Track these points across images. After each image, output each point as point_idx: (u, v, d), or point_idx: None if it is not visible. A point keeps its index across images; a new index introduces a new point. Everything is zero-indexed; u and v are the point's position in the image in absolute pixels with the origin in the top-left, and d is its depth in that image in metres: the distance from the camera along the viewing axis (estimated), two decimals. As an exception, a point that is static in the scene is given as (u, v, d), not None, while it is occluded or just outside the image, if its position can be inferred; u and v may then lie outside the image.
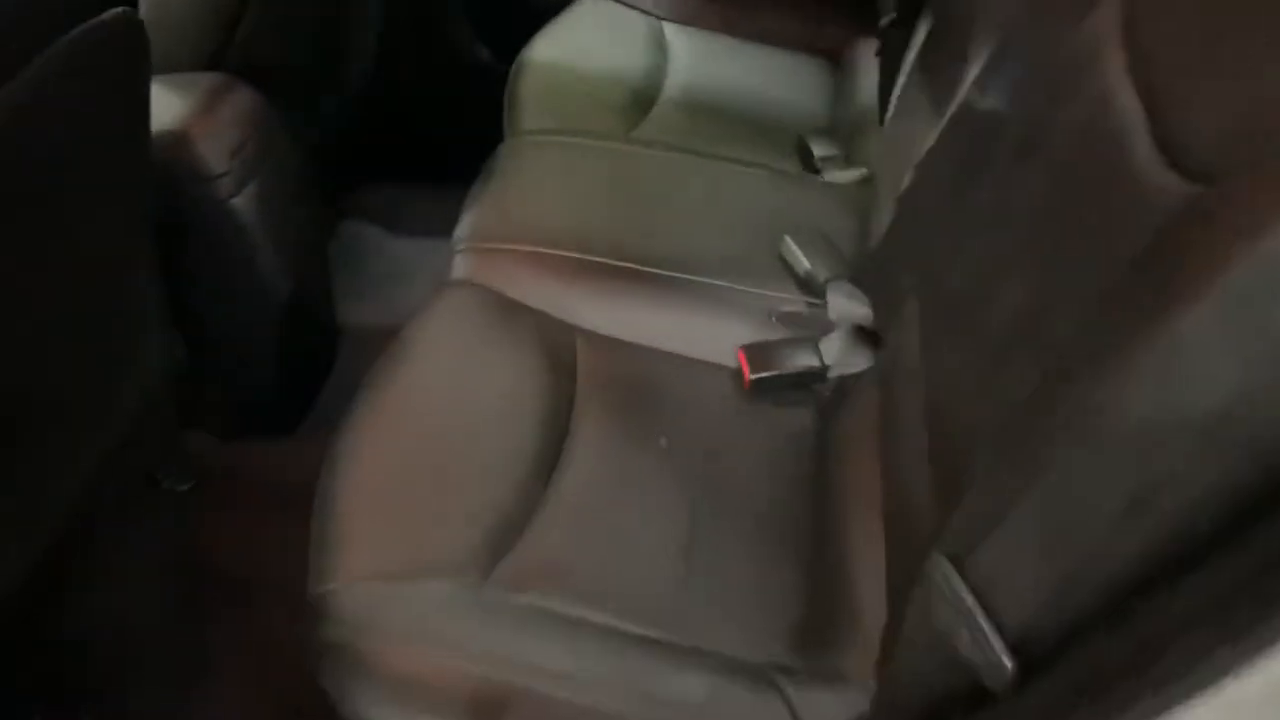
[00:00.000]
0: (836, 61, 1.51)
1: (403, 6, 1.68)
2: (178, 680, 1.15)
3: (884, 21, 1.20)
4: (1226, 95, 0.57)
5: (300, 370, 1.40)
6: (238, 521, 1.29)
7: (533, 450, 0.93)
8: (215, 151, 1.13)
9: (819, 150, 1.29)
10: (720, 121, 1.36)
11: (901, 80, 1.17)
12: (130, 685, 1.10)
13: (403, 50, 1.76)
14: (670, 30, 1.49)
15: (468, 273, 1.10)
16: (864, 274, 1.07)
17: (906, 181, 1.01)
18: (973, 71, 0.91)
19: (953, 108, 0.93)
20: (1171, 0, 0.66)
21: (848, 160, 1.30)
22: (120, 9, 0.81)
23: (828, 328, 1.05)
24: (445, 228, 1.69)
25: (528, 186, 1.20)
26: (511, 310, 1.05)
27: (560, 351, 1.02)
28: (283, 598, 0.90)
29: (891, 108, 1.19)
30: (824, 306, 1.06)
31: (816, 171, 1.28)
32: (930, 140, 0.97)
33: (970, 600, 0.54)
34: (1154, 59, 0.66)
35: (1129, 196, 0.63)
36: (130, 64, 0.88)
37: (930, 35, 1.10)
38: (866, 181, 1.25)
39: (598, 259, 1.10)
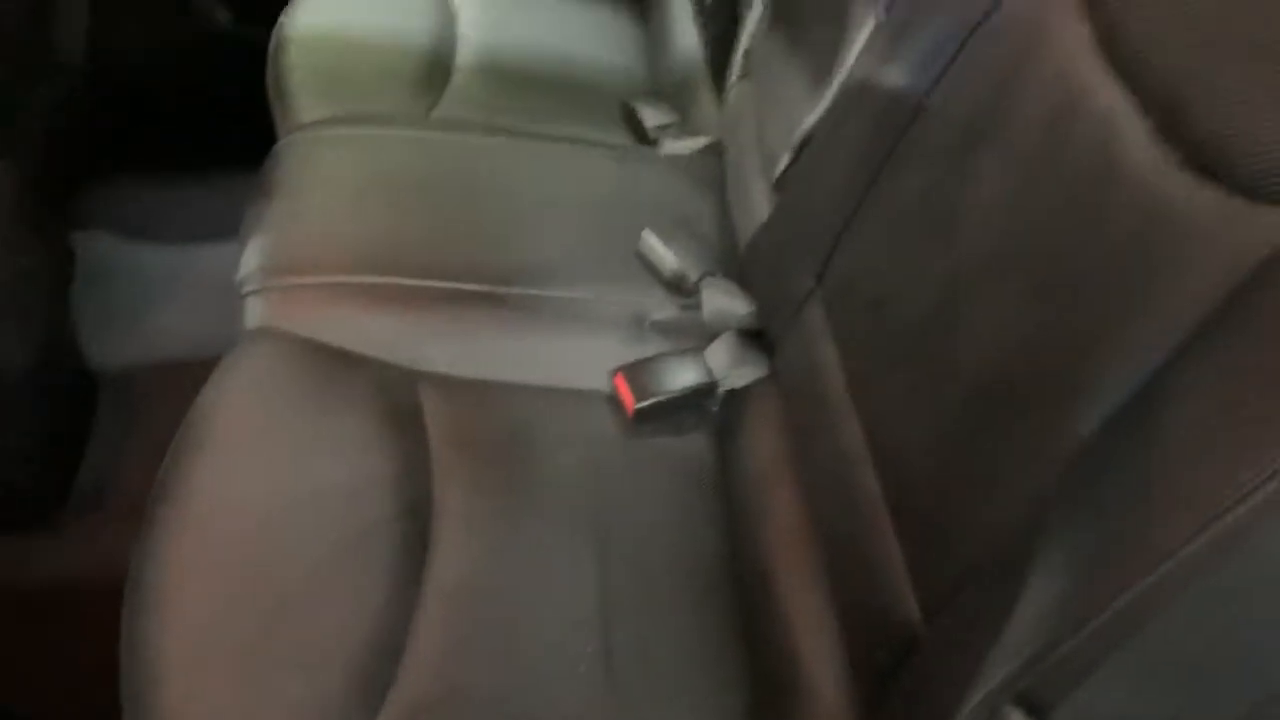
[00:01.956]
0: (642, 5, 1.35)
1: None
2: None
3: (717, -31, 1.06)
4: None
5: (51, 441, 1.14)
6: (3, 644, 1.03)
7: (393, 544, 0.75)
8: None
9: (650, 118, 1.14)
10: (530, 89, 1.18)
11: (746, 36, 1.03)
12: None
13: (121, 16, 1.46)
14: (452, -17, 1.29)
15: (267, 319, 0.89)
16: (741, 267, 0.94)
17: (784, 162, 0.88)
18: (858, 36, 0.78)
19: (837, 78, 0.80)
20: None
21: (683, 125, 1.15)
22: None
23: (708, 334, 0.92)
24: (201, 228, 1.44)
25: (322, 198, 0.98)
26: (333, 362, 0.85)
27: (403, 407, 0.84)
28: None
29: (736, 68, 1.05)
30: (699, 309, 0.93)
31: (651, 142, 1.13)
32: (811, 116, 0.84)
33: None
34: (1136, 31, 0.55)
35: (1133, 205, 0.53)
36: None
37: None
38: (710, 150, 1.11)
39: (427, 282, 0.92)
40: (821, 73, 0.83)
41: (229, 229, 1.15)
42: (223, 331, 0.94)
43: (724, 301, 0.92)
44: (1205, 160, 0.49)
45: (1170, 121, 0.52)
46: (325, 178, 1.00)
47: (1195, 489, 0.41)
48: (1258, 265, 0.45)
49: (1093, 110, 0.56)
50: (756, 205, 0.94)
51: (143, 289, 1.37)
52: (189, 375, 0.88)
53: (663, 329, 0.93)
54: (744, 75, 1.04)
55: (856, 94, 0.77)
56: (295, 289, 0.91)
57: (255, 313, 0.90)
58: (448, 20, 1.24)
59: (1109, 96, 0.56)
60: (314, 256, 0.92)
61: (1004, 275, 0.60)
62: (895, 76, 0.72)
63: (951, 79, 0.68)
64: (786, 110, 0.88)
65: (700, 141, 1.12)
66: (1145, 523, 0.45)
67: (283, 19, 1.18)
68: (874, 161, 0.73)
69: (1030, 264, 0.58)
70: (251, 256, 0.93)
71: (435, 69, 1.17)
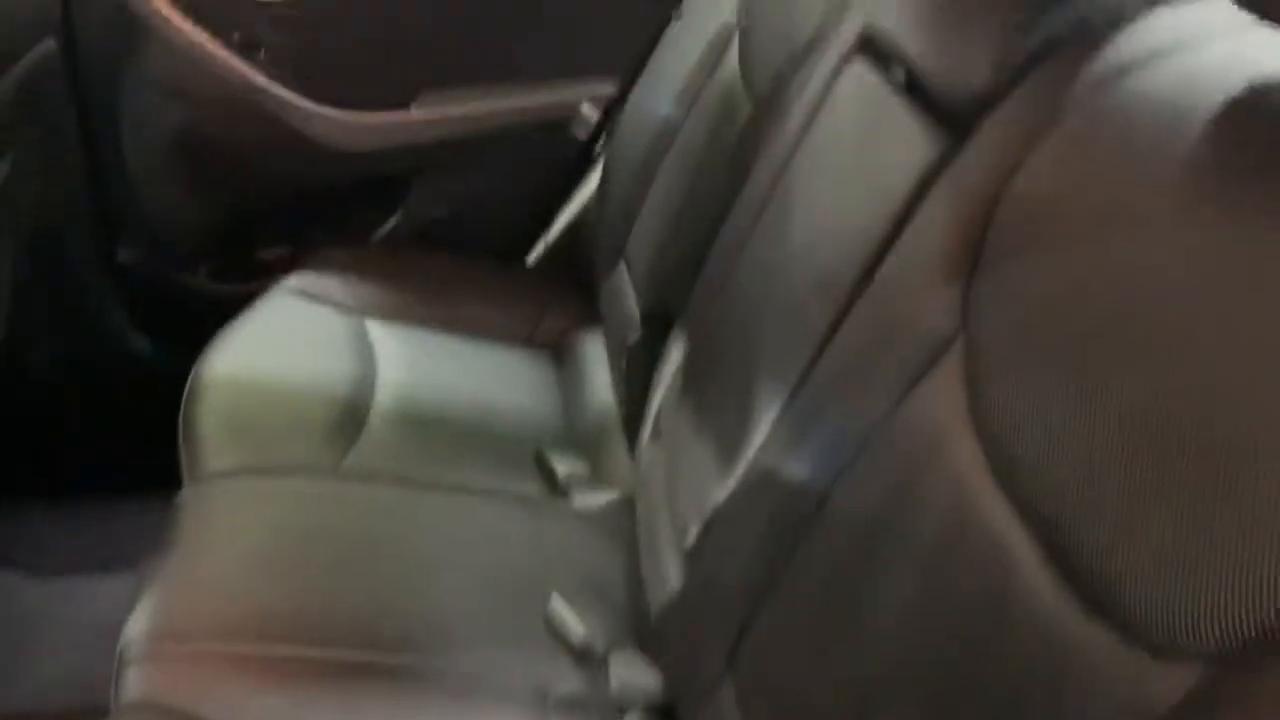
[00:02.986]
0: (559, 354, 1.41)
1: (32, 274, 1.40)
2: None
3: (630, 340, 1.11)
4: (1170, 541, 0.48)
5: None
6: None
7: None
8: None
9: (562, 468, 1.15)
10: (446, 437, 1.20)
11: (658, 400, 1.07)
12: None
13: (36, 334, 1.46)
14: (375, 328, 1.33)
15: (146, 690, 0.84)
16: (652, 637, 0.92)
17: (693, 535, 0.88)
18: (762, 425, 0.81)
19: (743, 461, 0.83)
20: (1046, 391, 0.58)
21: (595, 476, 1.17)
22: None
23: (616, 707, 0.89)
24: (104, 562, 1.38)
25: (217, 558, 0.95)
26: (212, 745, 0.80)
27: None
28: None
29: (647, 431, 1.08)
30: (607, 682, 0.90)
31: (563, 492, 1.14)
32: (718, 493, 0.85)
33: None
34: (1022, 456, 0.58)
35: (1026, 633, 0.53)
36: None
37: (694, 364, 1.01)
38: (622, 504, 1.12)
39: (316, 652, 0.87)
40: (728, 452, 0.85)
41: (120, 561, 1.10)
42: (101, 678, 0.89)
43: (632, 676, 0.89)
44: (1095, 600, 0.50)
45: (1059, 554, 0.53)
46: (223, 535, 0.97)
47: None
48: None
49: (985, 531, 0.58)
50: (667, 572, 0.93)
51: (20, 628, 1.30)
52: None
53: (567, 705, 0.89)
54: (655, 437, 1.06)
55: (761, 480, 0.79)
56: (178, 658, 0.86)
57: (135, 683, 0.84)
58: (367, 361, 1.27)
59: (1000, 518, 0.57)
60: (201, 624, 0.88)
61: (907, 690, 0.59)
62: (798, 469, 0.74)
63: (852, 478, 0.70)
64: (695, 482, 0.90)
65: (612, 495, 1.13)
66: None
67: (200, 361, 1.20)
68: (780, 550, 0.74)
69: (931, 682, 0.58)
70: (138, 620, 0.88)
71: (351, 415, 1.17)
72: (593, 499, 1.12)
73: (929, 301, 0.68)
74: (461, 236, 1.54)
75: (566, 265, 1.58)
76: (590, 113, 1.51)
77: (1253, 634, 0.44)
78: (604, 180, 1.47)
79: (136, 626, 0.88)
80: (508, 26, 1.46)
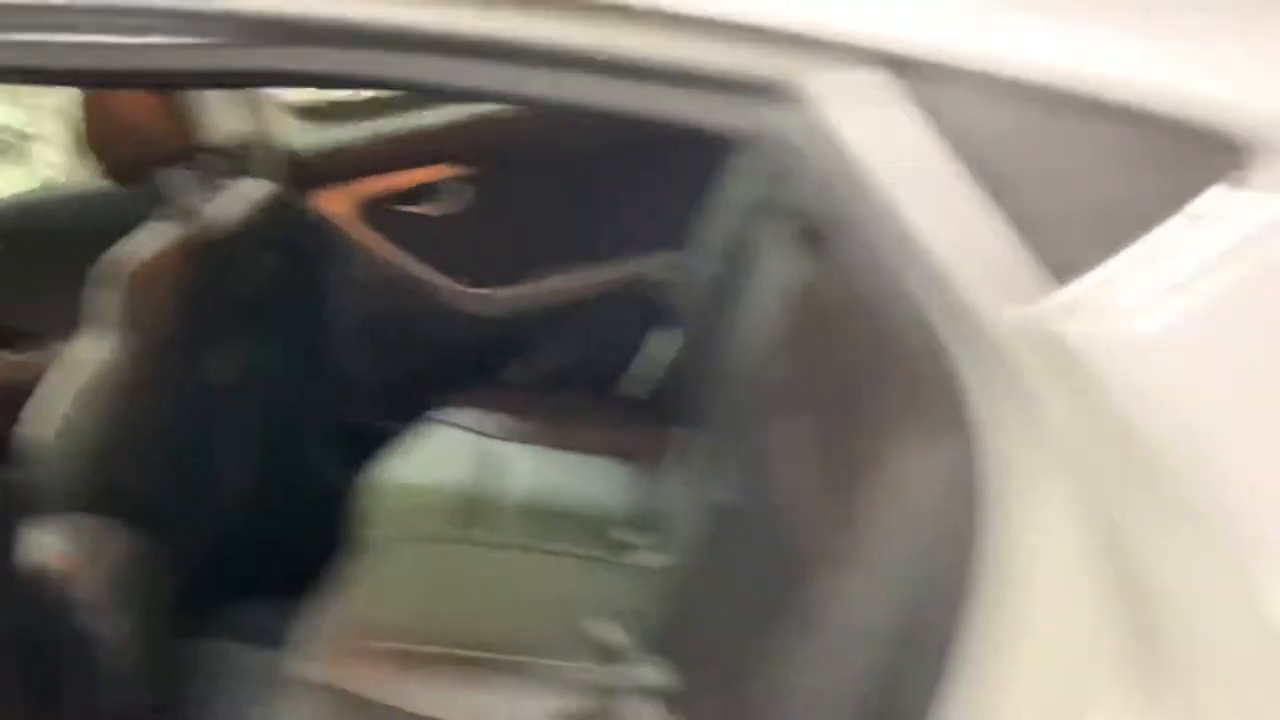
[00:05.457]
0: (640, 463, 1.76)
1: (279, 441, 1.90)
2: None
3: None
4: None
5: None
6: None
7: None
8: (88, 587, 1.29)
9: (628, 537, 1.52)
10: (548, 517, 1.59)
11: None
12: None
13: (274, 479, 1.94)
14: (503, 448, 1.74)
15: (318, 675, 1.24)
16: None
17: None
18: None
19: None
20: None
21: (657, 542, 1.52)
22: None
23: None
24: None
25: (370, 588, 1.38)
26: (365, 711, 1.19)
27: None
28: None
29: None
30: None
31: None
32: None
33: None
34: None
35: None
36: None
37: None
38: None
39: (431, 649, 1.29)
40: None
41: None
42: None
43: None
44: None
45: None
46: (374, 576, 1.40)
47: None
48: None
49: None
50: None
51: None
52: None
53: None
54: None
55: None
56: (339, 651, 1.26)
57: (310, 670, 1.25)
58: (496, 472, 1.67)
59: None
60: (353, 629, 1.29)
61: None
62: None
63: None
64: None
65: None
66: None
67: (370, 470, 1.64)
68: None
69: None
70: (312, 628, 1.30)
71: (479, 504, 1.58)
72: (653, 559, 1.47)
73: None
74: (570, 377, 1.98)
75: (656, 401, 1.97)
76: (667, 276, 1.92)
77: None
78: (683, 333, 1.87)
79: (309, 633, 1.30)
80: (599, 219, 1.94)
